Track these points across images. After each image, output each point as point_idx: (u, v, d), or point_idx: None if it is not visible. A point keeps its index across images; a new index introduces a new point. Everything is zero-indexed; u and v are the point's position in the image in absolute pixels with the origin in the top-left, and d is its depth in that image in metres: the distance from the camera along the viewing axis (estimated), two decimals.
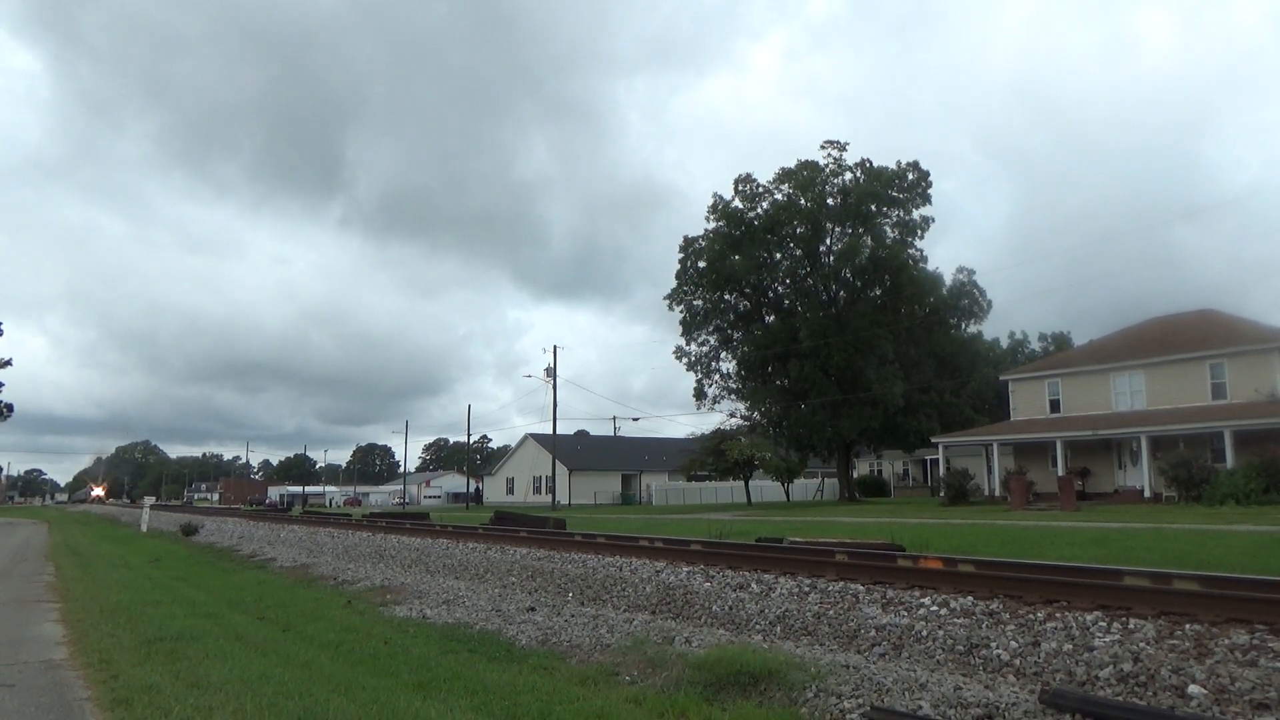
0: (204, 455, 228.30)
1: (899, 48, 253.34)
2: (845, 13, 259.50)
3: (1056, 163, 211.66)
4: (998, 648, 6.90)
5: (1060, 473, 36.65)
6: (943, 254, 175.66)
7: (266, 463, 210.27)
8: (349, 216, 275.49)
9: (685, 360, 56.74)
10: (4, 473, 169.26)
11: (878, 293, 53.78)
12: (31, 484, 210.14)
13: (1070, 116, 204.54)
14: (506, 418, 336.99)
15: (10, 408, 66.59)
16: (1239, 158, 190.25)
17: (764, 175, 55.14)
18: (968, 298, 53.90)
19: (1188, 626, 6.72)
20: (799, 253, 54.58)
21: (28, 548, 27.89)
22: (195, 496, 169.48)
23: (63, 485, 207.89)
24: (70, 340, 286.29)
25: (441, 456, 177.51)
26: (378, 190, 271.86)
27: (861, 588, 9.38)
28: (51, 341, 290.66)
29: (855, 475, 60.10)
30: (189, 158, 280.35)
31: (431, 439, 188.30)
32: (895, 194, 52.99)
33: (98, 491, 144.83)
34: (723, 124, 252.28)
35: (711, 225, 55.30)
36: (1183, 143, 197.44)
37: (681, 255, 55.99)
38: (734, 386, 56.64)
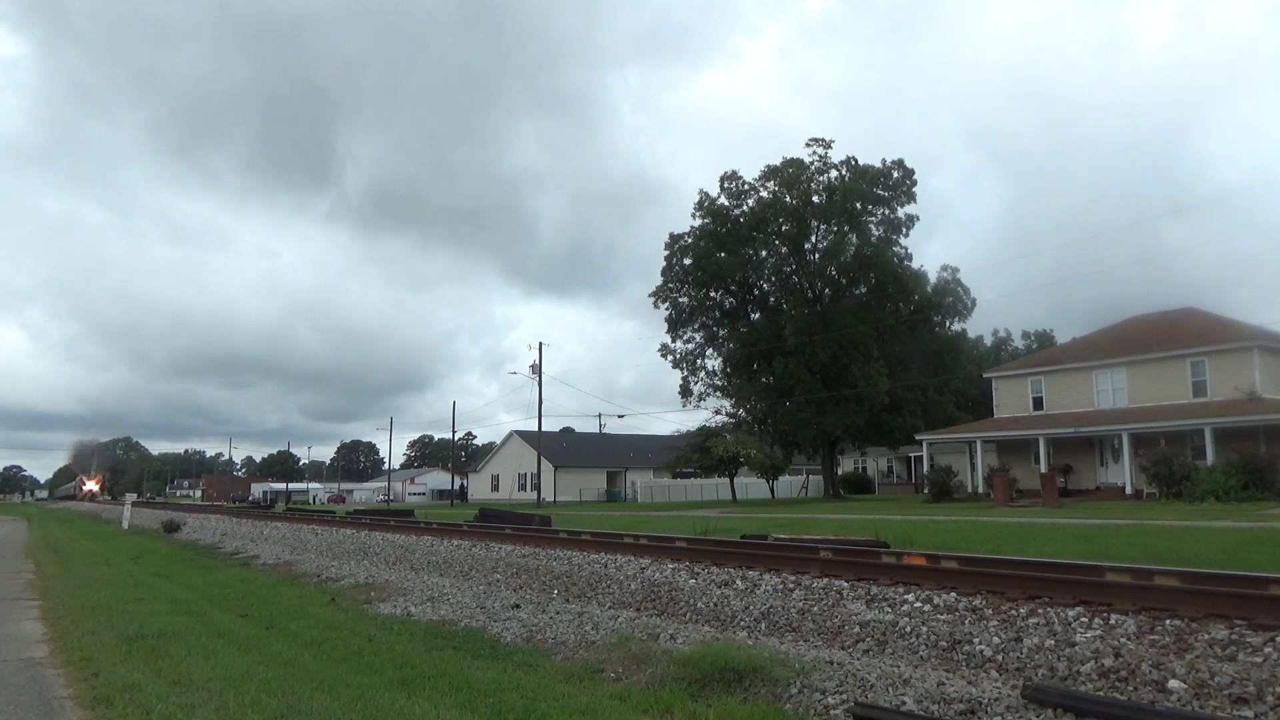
0: (186, 452, 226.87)
1: (892, 44, 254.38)
2: (839, 9, 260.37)
3: (1048, 159, 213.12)
4: (980, 644, 6.94)
5: (1043, 469, 36.89)
6: (934, 250, 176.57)
7: (250, 459, 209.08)
8: (338, 209, 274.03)
9: (671, 357, 56.92)
10: None
11: (862, 290, 54.04)
12: (10, 480, 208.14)
13: (1062, 112, 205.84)
14: (492, 414, 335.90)
15: None
16: (1229, 153, 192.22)
17: (758, 171, 55.23)
18: (952, 295, 54.22)
19: (1168, 622, 6.78)
20: (784, 250, 54.75)
21: (6, 545, 27.62)
22: (178, 493, 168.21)
23: (43, 482, 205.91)
24: (51, 333, 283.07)
25: (426, 453, 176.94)
26: (368, 183, 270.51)
27: (846, 584, 9.40)
28: (31, 335, 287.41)
29: (840, 472, 60.32)
30: (174, 147, 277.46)
31: (416, 436, 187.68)
32: (880, 192, 53.26)
33: (90, 485, 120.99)
34: (716, 119, 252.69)
35: (698, 222, 55.50)
36: (1174, 139, 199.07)
37: (667, 252, 56.13)
38: (719, 383, 56.83)
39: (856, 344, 49.92)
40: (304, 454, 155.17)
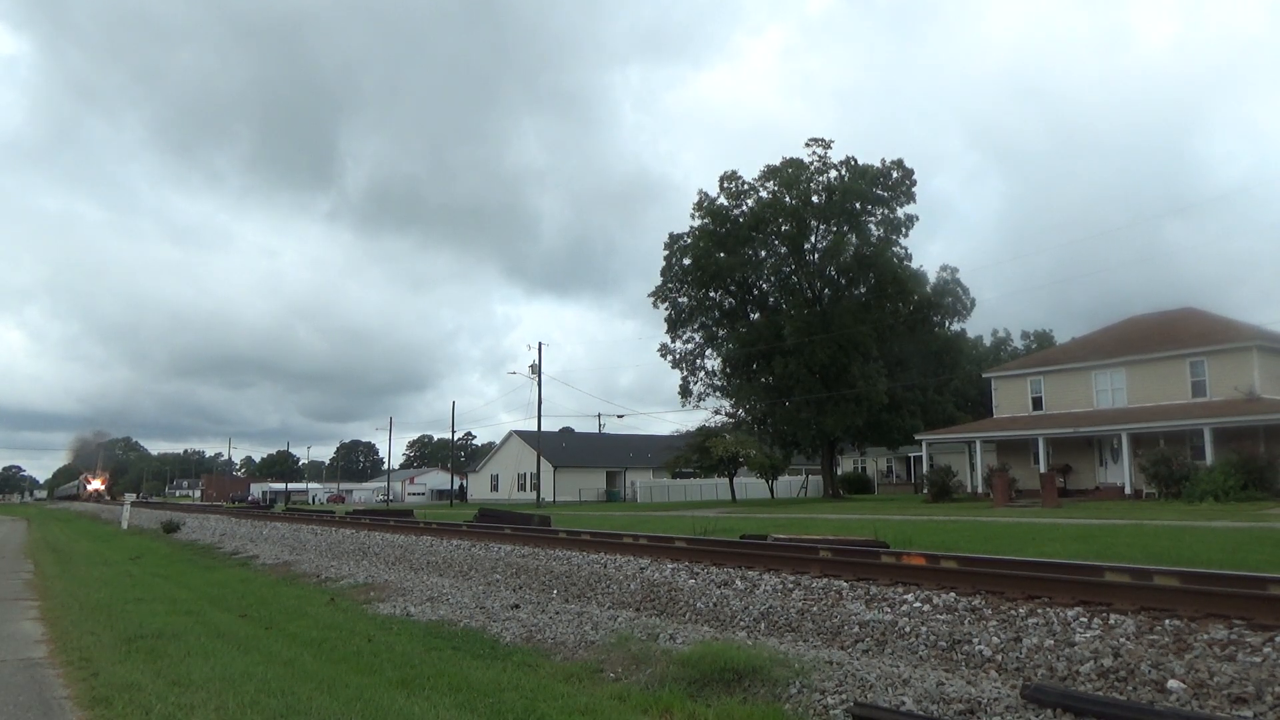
0: (186, 452, 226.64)
1: (893, 44, 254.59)
2: (841, 8, 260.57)
3: (1048, 159, 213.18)
4: (980, 643, 6.94)
5: (1042, 469, 36.90)
6: (934, 250, 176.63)
7: (249, 459, 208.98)
8: (338, 208, 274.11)
9: (670, 358, 56.94)
10: None
11: (862, 290, 54.06)
12: (9, 481, 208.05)
13: (1063, 112, 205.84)
14: (492, 414, 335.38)
15: None
16: (1230, 153, 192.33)
17: (757, 171, 55.23)
18: (951, 295, 54.25)
19: (1167, 622, 6.77)
20: (784, 250, 54.77)
21: (6, 545, 27.61)
22: (177, 493, 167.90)
23: (42, 482, 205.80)
24: (51, 333, 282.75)
25: (425, 453, 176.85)
26: (368, 182, 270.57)
27: (845, 584, 9.40)
28: (31, 335, 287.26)
29: (839, 472, 60.34)
30: (175, 146, 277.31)
31: (415, 436, 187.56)
32: (880, 192, 53.30)
33: (95, 484, 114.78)
34: (717, 118, 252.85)
35: (697, 222, 55.48)
36: (1175, 138, 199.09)
37: (667, 252, 56.14)
38: (719, 383, 56.85)
39: (856, 344, 49.93)
40: (303, 454, 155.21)
